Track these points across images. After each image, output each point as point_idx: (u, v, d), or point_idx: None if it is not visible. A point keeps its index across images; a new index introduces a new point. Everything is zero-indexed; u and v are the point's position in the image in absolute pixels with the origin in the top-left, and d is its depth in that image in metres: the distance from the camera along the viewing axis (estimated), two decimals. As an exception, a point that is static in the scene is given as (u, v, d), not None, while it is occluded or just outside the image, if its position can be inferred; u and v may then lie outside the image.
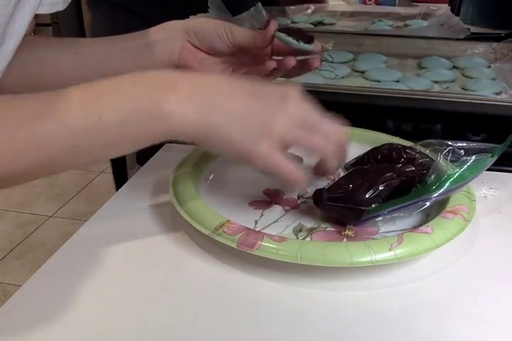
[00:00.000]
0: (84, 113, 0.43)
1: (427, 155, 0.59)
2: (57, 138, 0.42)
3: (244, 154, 0.47)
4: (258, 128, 0.47)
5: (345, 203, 0.52)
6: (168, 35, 0.60)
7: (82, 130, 0.43)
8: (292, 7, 1.30)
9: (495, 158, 0.55)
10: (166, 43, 0.60)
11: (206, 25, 0.61)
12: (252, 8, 1.14)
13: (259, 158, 0.47)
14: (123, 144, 0.46)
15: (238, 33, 0.60)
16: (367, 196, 0.52)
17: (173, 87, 0.45)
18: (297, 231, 0.53)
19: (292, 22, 1.20)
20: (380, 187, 0.53)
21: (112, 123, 0.44)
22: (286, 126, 0.48)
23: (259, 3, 1.19)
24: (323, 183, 0.61)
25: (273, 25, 0.57)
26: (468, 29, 1.05)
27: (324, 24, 1.20)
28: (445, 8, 1.25)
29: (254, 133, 0.47)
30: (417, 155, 0.59)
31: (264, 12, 1.19)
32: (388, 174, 0.54)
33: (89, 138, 0.43)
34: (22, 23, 0.54)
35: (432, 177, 0.54)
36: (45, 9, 0.61)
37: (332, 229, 0.54)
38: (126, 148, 0.46)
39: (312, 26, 1.18)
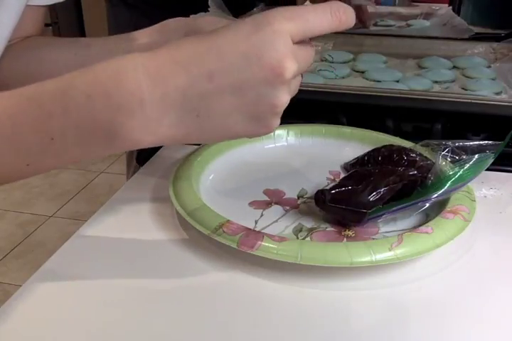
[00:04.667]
0: (34, 133, 0.38)
1: (428, 158, 0.59)
2: (8, 159, 0.39)
3: (255, 136, 0.42)
4: (261, 116, 0.40)
5: (348, 205, 0.52)
6: (169, 36, 0.58)
7: (35, 152, 0.39)
8: None
9: (494, 157, 0.55)
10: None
11: (207, 26, 0.57)
12: (255, 9, 1.14)
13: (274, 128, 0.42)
14: (86, 159, 0.41)
15: None
16: (370, 199, 0.52)
17: (139, 102, 0.37)
18: (297, 231, 0.53)
19: None
20: (383, 191, 0.53)
21: (68, 145, 0.39)
22: (287, 97, 0.40)
23: (262, 3, 1.19)
24: (324, 183, 0.61)
25: None
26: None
27: None
28: (446, 7, 1.25)
29: (260, 121, 0.40)
30: (417, 158, 0.59)
31: None
32: (391, 177, 0.54)
33: (44, 159, 0.39)
34: (7, 11, 0.53)
35: (432, 178, 0.54)
36: (44, 0, 0.61)
37: (332, 229, 0.54)
38: (91, 158, 0.42)
39: None
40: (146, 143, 0.39)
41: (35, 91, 0.39)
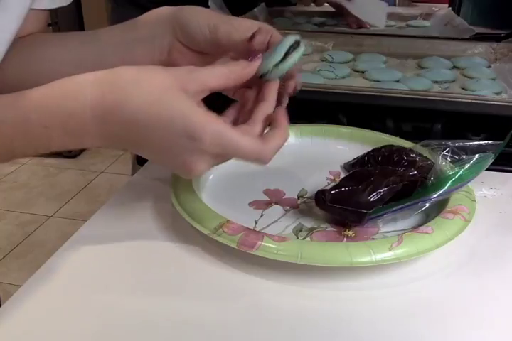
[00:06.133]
0: None
1: (428, 158, 0.59)
2: None
3: None
4: (178, 170, 0.47)
5: (348, 205, 0.52)
6: (156, 30, 0.56)
7: None
8: (293, 7, 1.31)
9: (494, 157, 0.55)
10: (154, 40, 0.56)
11: (192, 18, 0.54)
12: (255, 9, 1.14)
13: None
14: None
15: (223, 31, 0.53)
16: (370, 199, 0.52)
17: (84, 133, 0.45)
18: (297, 231, 0.53)
19: (294, 23, 1.20)
20: (383, 191, 0.53)
21: (26, 155, 0.47)
22: (204, 166, 0.46)
23: (263, 4, 1.19)
24: (324, 183, 0.61)
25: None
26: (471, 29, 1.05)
27: (327, 25, 1.20)
28: (446, 8, 1.25)
29: (178, 171, 0.48)
30: (417, 158, 0.59)
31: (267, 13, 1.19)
32: (392, 178, 0.54)
33: (5, 160, 0.47)
34: (9, 15, 0.53)
35: (432, 178, 0.54)
36: (46, 4, 0.61)
37: (332, 229, 0.54)
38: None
39: (316, 27, 1.18)
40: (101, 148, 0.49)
41: None
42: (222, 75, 0.47)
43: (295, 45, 0.50)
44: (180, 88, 0.45)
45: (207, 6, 0.98)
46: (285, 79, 0.53)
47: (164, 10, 0.57)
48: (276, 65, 0.49)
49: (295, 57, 0.50)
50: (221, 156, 0.46)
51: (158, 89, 0.44)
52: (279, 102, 0.52)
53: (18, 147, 0.46)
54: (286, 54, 0.49)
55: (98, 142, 0.46)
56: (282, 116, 0.49)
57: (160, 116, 0.44)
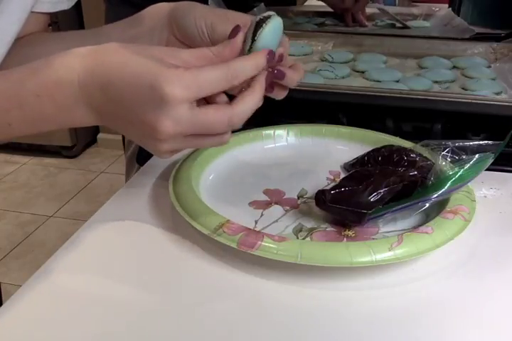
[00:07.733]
0: None
1: (428, 158, 0.59)
2: None
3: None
4: (146, 138, 0.46)
5: (348, 205, 0.52)
6: (154, 25, 0.56)
7: None
8: (293, 7, 1.31)
9: (494, 157, 0.55)
10: (153, 35, 0.56)
11: (189, 16, 0.54)
12: (255, 9, 1.14)
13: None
14: (38, 133, 0.50)
15: (221, 30, 0.52)
16: (370, 199, 0.52)
17: (73, 104, 0.47)
18: (297, 231, 0.53)
19: (294, 23, 1.20)
20: (383, 191, 0.53)
21: (23, 128, 0.48)
22: (165, 148, 0.46)
23: (262, 4, 1.19)
24: (324, 183, 0.61)
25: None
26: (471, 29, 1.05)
27: (327, 25, 1.20)
28: (446, 8, 1.25)
29: (146, 140, 0.47)
30: (417, 158, 0.59)
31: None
32: (392, 178, 0.54)
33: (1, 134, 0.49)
34: (9, 17, 0.54)
35: (432, 178, 0.54)
36: (47, 7, 0.61)
37: (332, 229, 0.54)
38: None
39: (316, 27, 1.18)
40: (85, 125, 0.49)
41: None
42: (203, 56, 0.47)
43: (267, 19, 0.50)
44: (156, 60, 0.45)
45: (207, 4, 0.98)
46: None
47: (163, 6, 0.57)
48: (251, 45, 0.49)
49: (267, 29, 0.49)
50: (188, 120, 0.44)
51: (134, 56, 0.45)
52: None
53: (15, 120, 0.47)
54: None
55: (87, 115, 0.46)
56: (257, 81, 0.47)
57: (130, 73, 0.44)
